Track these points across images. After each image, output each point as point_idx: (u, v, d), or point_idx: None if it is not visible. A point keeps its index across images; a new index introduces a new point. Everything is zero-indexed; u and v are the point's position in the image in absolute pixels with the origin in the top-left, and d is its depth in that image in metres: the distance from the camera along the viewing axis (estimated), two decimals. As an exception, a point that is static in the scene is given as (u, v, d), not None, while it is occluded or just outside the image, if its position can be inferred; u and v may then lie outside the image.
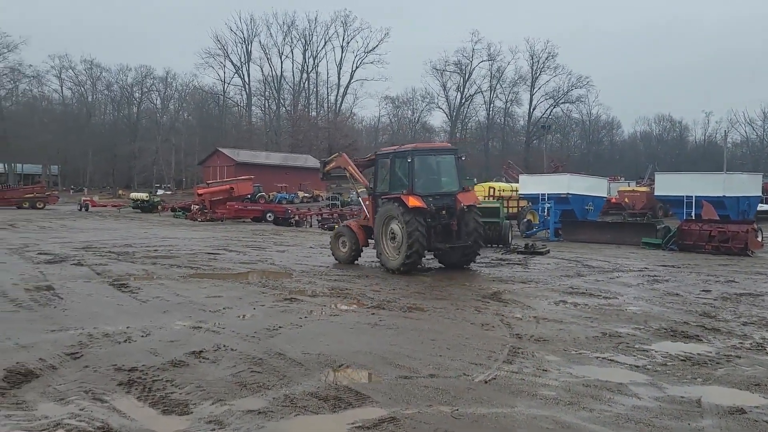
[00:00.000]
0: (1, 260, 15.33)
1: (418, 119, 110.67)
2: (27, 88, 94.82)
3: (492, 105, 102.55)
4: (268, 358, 6.86)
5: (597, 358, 7.13)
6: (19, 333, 7.75)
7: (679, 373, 6.54)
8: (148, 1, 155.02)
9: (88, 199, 53.22)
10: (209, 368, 6.48)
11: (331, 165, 17.49)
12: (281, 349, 7.20)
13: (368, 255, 15.94)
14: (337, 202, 49.87)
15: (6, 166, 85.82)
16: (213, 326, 8.34)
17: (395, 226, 13.76)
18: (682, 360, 7.01)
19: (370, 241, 15.36)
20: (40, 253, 16.99)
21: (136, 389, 5.80)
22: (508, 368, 6.65)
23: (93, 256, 16.48)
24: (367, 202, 15.69)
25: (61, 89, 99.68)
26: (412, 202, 13.42)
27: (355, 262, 15.79)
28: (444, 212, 14.02)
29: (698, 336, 8.17)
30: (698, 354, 7.26)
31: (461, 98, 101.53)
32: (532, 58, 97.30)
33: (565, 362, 6.91)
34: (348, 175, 16.76)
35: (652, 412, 5.35)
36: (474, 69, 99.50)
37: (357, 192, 16.87)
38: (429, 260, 15.23)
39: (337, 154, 18.50)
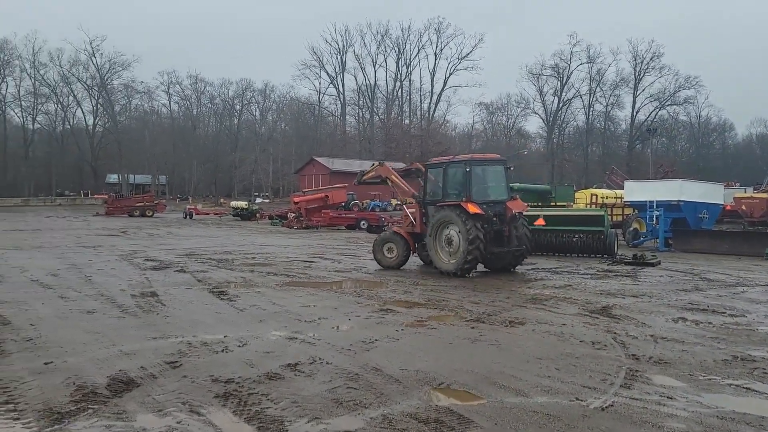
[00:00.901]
0: (111, 266, 16.08)
1: (513, 125, 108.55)
2: (139, 103, 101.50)
3: (591, 109, 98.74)
4: (364, 374, 6.56)
5: (730, 385, 6.32)
6: (124, 339, 7.89)
7: (835, 408, 5.64)
8: (248, 18, 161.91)
9: (193, 207, 55.79)
10: (305, 382, 6.26)
11: (371, 174, 18.56)
12: (378, 364, 6.89)
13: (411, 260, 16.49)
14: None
15: (120, 176, 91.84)
16: (308, 337, 8.17)
17: (452, 232, 14.63)
18: (836, 392, 6.07)
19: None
20: (147, 260, 17.72)
21: (232, 402, 5.65)
22: (627, 394, 5.99)
23: (195, 263, 16.98)
24: (412, 210, 16.63)
25: (169, 103, 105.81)
26: (473, 208, 14.25)
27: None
28: (495, 219, 14.88)
29: None
30: None
31: (559, 103, 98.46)
32: (635, 59, 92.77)
33: (693, 389, 6.16)
34: (390, 183, 17.89)
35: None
36: (572, 72, 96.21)
37: (401, 200, 17.19)
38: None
39: (377, 163, 19.51)
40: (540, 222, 20.32)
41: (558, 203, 31.08)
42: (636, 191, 24.91)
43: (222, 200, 79.08)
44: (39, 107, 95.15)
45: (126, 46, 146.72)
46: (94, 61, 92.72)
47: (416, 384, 6.26)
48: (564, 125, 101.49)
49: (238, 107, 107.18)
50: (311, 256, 19.50)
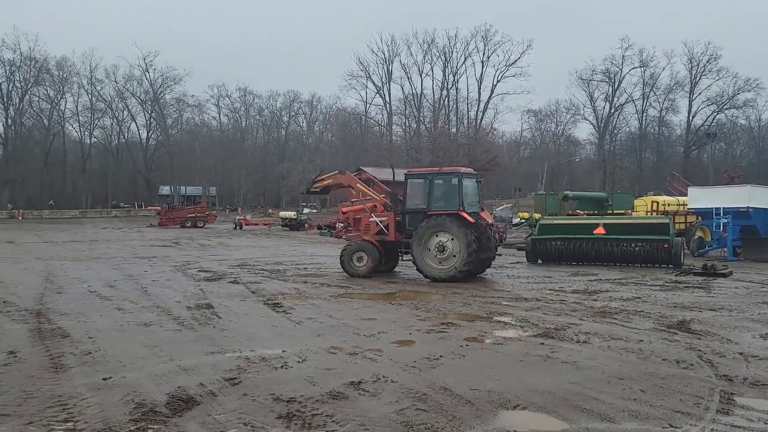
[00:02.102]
0: (166, 277, 16.11)
1: (562, 132, 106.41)
2: (190, 116, 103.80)
3: (645, 114, 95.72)
4: (432, 393, 6.15)
5: (843, 412, 5.65)
6: (182, 354, 7.69)
7: None
8: (295, 30, 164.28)
9: (242, 218, 56.42)
10: (370, 402, 5.89)
11: (327, 182, 18.29)
12: (446, 383, 6.47)
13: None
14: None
15: (172, 188, 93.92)
16: (369, 353, 7.80)
17: (444, 239, 15.21)
18: None
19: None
20: (201, 270, 17.73)
21: (296, 424, 5.32)
22: (727, 420, 5.42)
23: (247, 274, 16.88)
24: (383, 218, 16.65)
25: (219, 116, 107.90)
26: (470, 218, 15.19)
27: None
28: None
29: None
30: None
31: (610, 108, 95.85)
32: (691, 62, 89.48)
33: (801, 417, 5.52)
34: (355, 192, 17.86)
35: None
36: (624, 77, 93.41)
37: (367, 208, 17.15)
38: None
39: (336, 171, 19.27)
40: (600, 230, 19.58)
41: (615, 211, 30.04)
42: (701, 198, 23.75)
43: (270, 211, 79.94)
44: (96, 122, 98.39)
45: (178, 61, 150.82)
46: (148, 76, 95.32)
47: (489, 406, 5.82)
48: (616, 131, 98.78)
49: (285, 119, 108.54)
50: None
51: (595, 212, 30.25)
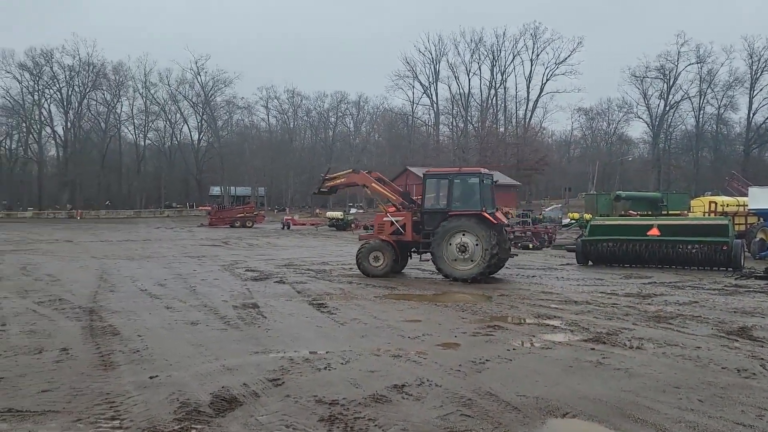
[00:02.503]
0: (214, 277, 16.35)
1: (614, 131, 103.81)
2: (239, 118, 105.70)
3: (702, 112, 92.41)
4: (477, 399, 5.98)
5: None
6: (226, 353, 7.73)
7: None
8: (344, 31, 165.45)
9: (290, 218, 57.02)
10: (413, 407, 5.77)
11: (340, 181, 18.00)
12: (491, 389, 6.29)
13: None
14: (528, 219, 47.71)
15: (222, 188, 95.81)
16: (414, 355, 7.68)
17: (467, 239, 15.28)
18: None
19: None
20: (248, 270, 17.94)
21: (338, 427, 5.25)
22: (794, 436, 5.07)
23: (294, 274, 16.98)
24: (399, 218, 16.56)
25: (268, 117, 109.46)
26: (490, 219, 15.41)
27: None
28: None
29: None
30: None
31: (665, 106, 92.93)
32: (751, 57, 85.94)
33: None
34: (370, 192, 17.73)
35: None
36: (680, 73, 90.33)
37: (383, 208, 17.19)
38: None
39: (350, 170, 18.83)
40: (654, 232, 18.92)
41: (670, 212, 29.06)
42: (762, 198, 22.70)
43: (317, 211, 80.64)
44: (150, 125, 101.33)
45: (228, 64, 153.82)
46: (199, 80, 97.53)
47: (537, 413, 5.63)
48: (671, 129, 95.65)
49: (332, 119, 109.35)
50: (408, 267, 19.04)
51: (649, 213, 29.32)
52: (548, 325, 9.86)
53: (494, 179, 17.11)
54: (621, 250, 19.31)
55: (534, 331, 9.34)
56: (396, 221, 16.55)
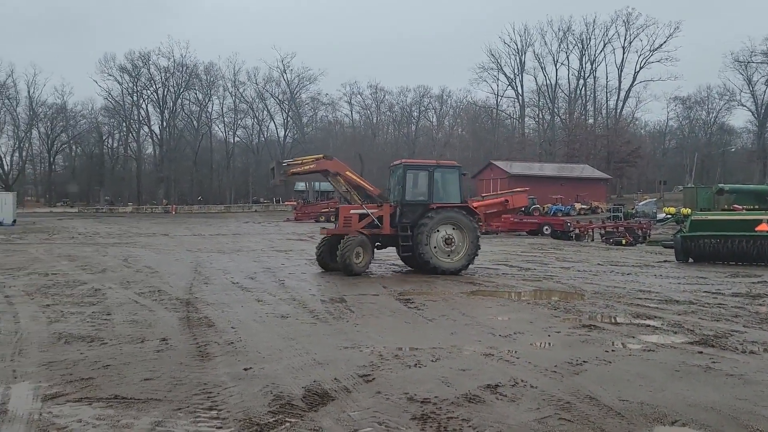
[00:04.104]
0: (302, 270, 16.64)
1: (714, 120, 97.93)
2: (324, 114, 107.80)
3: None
4: (576, 402, 5.69)
5: None
6: (317, 347, 7.77)
7: None
8: (427, 25, 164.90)
9: (374, 212, 57.38)
10: (508, 408, 5.56)
11: (308, 167, 16.48)
12: (591, 392, 5.98)
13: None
14: (619, 214, 45.89)
15: (306, 184, 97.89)
16: (506, 354, 7.44)
17: (452, 232, 15.35)
18: None
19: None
20: (335, 264, 18.10)
21: (431, 427, 5.11)
22: None
23: (378, 268, 17.01)
24: (374, 210, 15.77)
25: (351, 113, 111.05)
26: (476, 210, 16.06)
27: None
28: None
29: None
30: None
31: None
32: None
33: None
34: (343, 181, 16.24)
35: None
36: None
37: (357, 199, 16.08)
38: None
39: (321, 155, 16.93)
40: (763, 227, 17.65)
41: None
42: None
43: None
44: (238, 122, 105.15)
45: (312, 61, 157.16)
46: (285, 77, 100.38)
47: (643, 420, 5.28)
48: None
49: (415, 114, 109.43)
50: (495, 263, 18.71)
51: (756, 207, 27.39)
52: (648, 325, 9.32)
53: (463, 171, 16.79)
54: (725, 247, 18.14)
55: (633, 332, 8.85)
56: (371, 213, 15.76)
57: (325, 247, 16.19)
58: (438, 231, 15.31)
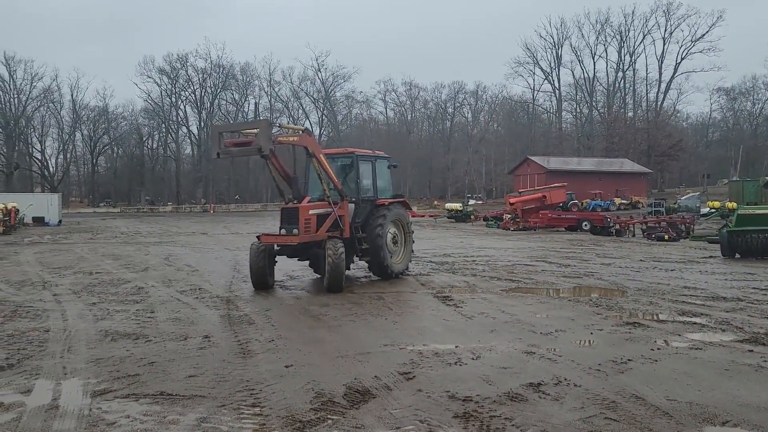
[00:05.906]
0: (340, 267, 16.68)
1: (761, 111, 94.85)
2: (358, 112, 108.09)
3: None
4: (622, 402, 5.58)
5: None
6: (357, 345, 7.80)
7: None
8: (462, 20, 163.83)
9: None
10: (552, 407, 5.48)
11: (291, 139, 13.27)
12: (637, 391, 5.85)
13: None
14: (661, 209, 44.80)
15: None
16: (547, 352, 7.34)
17: (396, 230, 14.13)
18: None
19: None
20: (372, 261, 18.12)
21: (474, 425, 5.07)
22: None
23: (416, 266, 16.94)
24: (329, 209, 12.89)
25: (386, 110, 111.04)
26: (409, 205, 15.01)
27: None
28: None
29: None
30: None
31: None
32: None
33: None
34: (316, 163, 12.73)
35: None
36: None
37: (326, 192, 12.74)
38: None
39: (303, 129, 14.19)
40: (813, 221, 17.00)
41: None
42: None
43: (435, 202, 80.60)
44: (279, 121, 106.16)
45: (347, 59, 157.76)
46: (320, 76, 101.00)
47: (692, 420, 5.14)
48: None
49: (450, 110, 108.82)
50: (534, 260, 18.47)
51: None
52: (695, 323, 9.08)
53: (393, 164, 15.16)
54: (775, 242, 17.56)
55: (679, 330, 8.63)
56: (328, 213, 12.92)
57: (264, 259, 12.65)
58: (389, 231, 13.79)
